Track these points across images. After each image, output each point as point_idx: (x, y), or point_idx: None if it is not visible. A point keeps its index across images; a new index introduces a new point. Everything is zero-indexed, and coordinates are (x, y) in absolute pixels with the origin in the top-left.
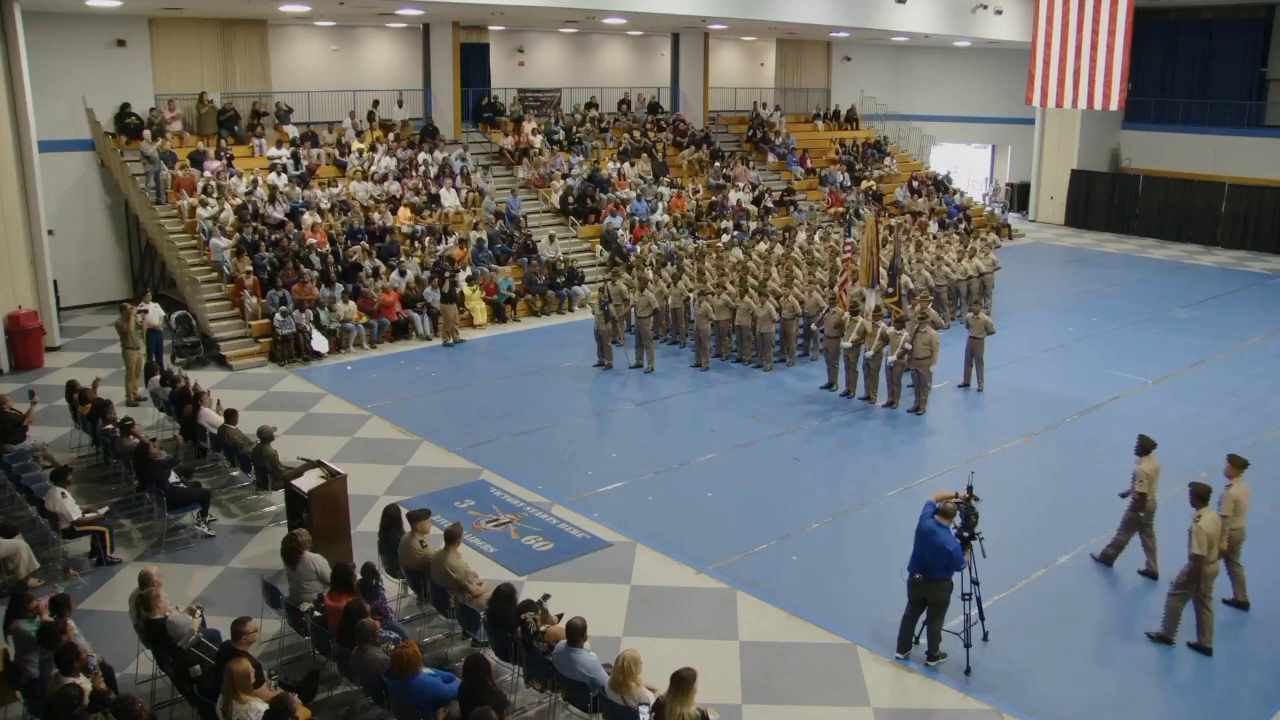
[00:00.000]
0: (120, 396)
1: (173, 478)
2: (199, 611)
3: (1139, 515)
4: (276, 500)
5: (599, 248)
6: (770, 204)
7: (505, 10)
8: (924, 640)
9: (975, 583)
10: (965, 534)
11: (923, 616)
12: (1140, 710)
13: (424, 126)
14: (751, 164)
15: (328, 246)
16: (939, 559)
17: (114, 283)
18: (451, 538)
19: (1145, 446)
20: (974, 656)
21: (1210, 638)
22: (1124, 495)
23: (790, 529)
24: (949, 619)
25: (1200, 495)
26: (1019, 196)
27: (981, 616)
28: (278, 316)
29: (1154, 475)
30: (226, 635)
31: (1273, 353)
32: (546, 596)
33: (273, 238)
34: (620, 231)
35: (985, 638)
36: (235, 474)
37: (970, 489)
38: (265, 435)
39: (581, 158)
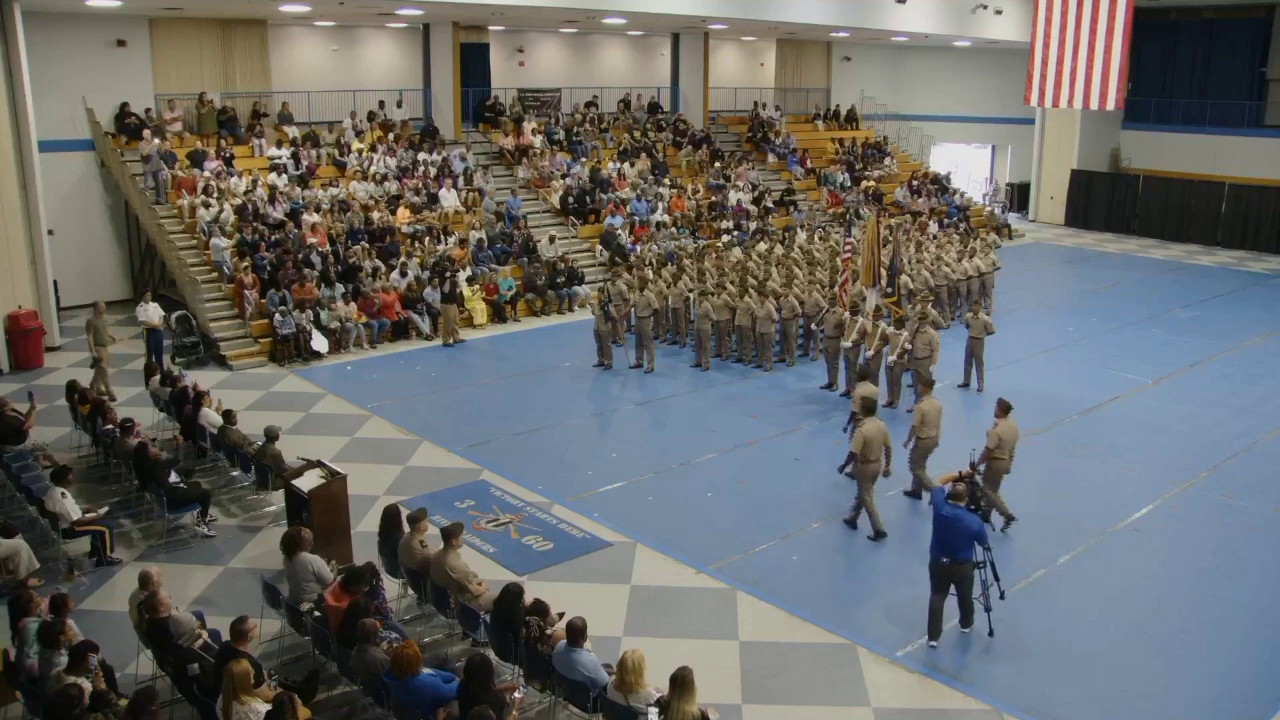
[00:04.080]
0: (121, 396)
1: (173, 478)
2: (202, 624)
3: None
4: (276, 500)
5: (599, 248)
6: (770, 204)
7: (505, 10)
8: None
9: (988, 549)
10: (972, 507)
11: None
12: (1140, 710)
13: (424, 126)
14: (751, 164)
15: (328, 246)
16: (966, 539)
17: (114, 283)
18: (451, 538)
19: (868, 408)
20: (973, 655)
21: (879, 524)
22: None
23: (790, 529)
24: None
25: (867, 409)
26: (1019, 196)
27: (996, 577)
28: (278, 316)
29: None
30: (226, 635)
31: (1273, 353)
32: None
33: (273, 238)
34: (620, 231)
35: (1002, 596)
36: (235, 474)
37: (973, 465)
38: (271, 435)
39: (583, 158)
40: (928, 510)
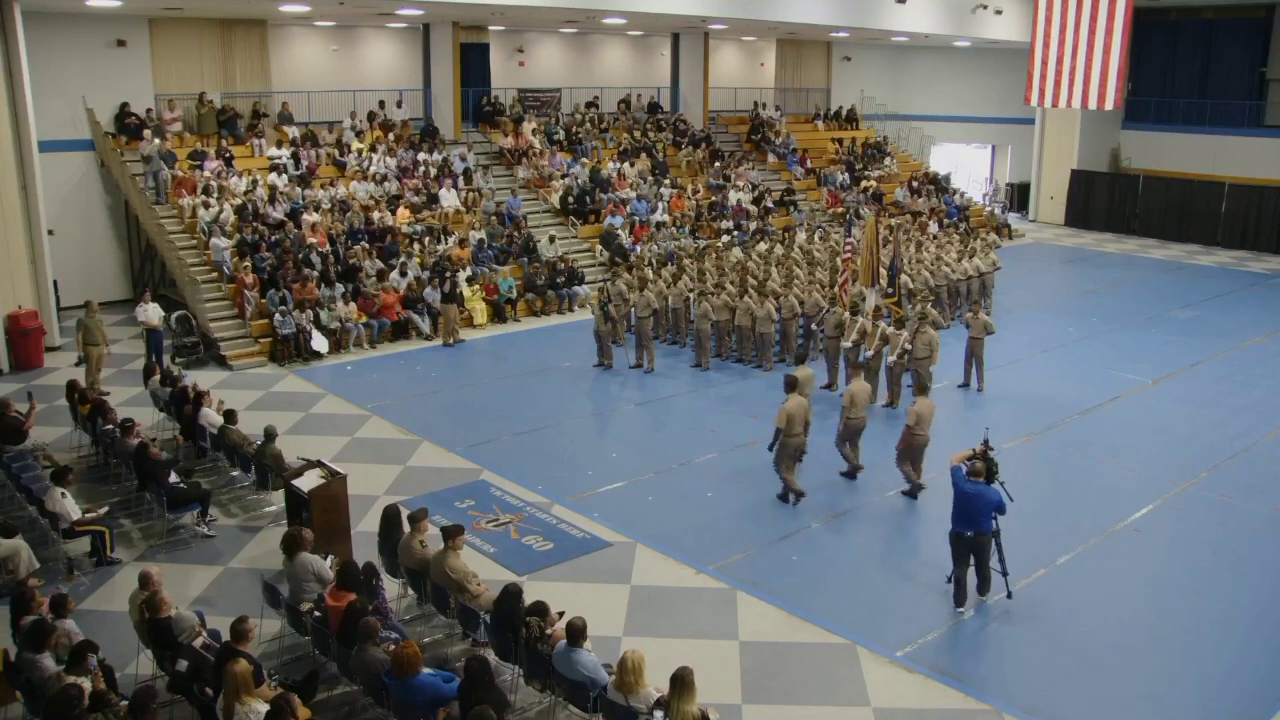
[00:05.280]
0: (121, 396)
1: (173, 478)
2: (202, 624)
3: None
4: (276, 500)
5: (599, 248)
6: (770, 204)
7: (505, 10)
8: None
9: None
10: (984, 479)
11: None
12: (1140, 710)
13: (424, 126)
14: (751, 164)
15: (328, 246)
16: (987, 512)
17: (114, 283)
18: (451, 538)
19: (790, 384)
20: (973, 655)
21: (797, 489)
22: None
23: (790, 529)
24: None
25: (789, 385)
26: (1019, 196)
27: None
28: (278, 316)
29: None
30: (226, 635)
31: (1273, 353)
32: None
33: (273, 238)
34: (620, 231)
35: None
36: (235, 474)
37: (986, 442)
38: (270, 434)
39: (583, 158)
40: (922, 510)
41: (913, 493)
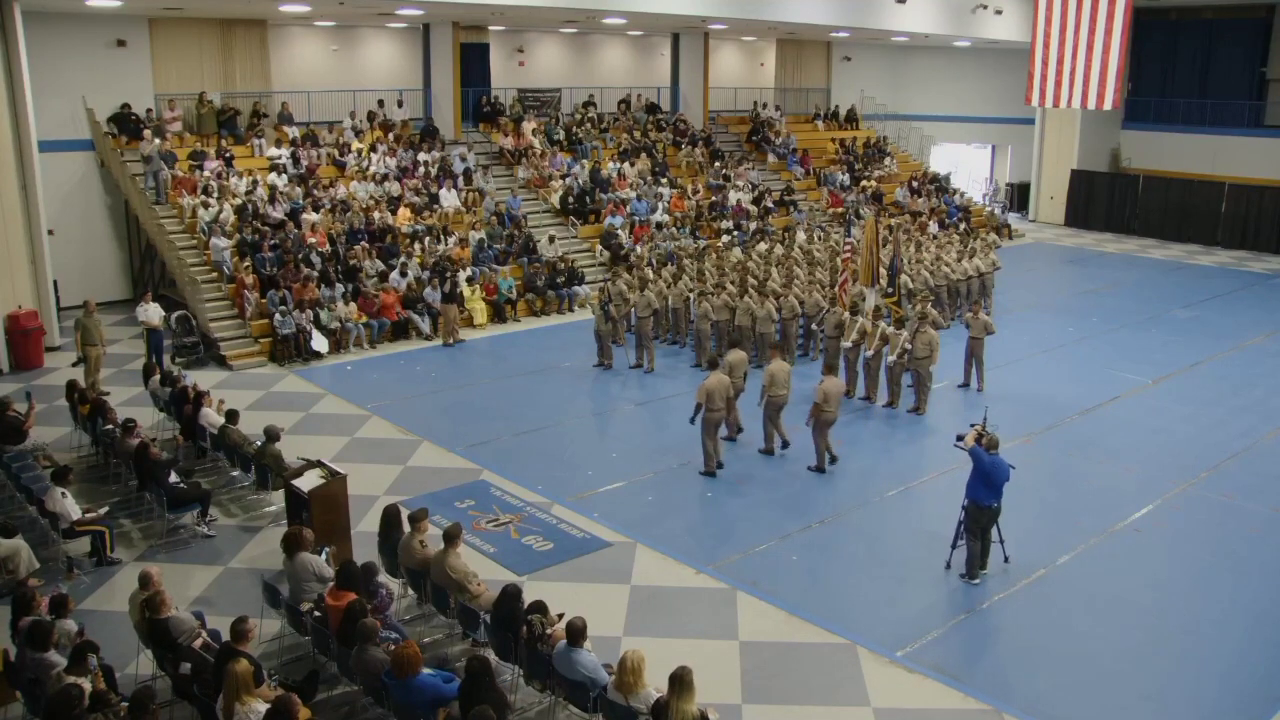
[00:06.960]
0: (121, 396)
1: (173, 478)
2: (201, 624)
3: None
4: (276, 500)
5: (599, 248)
6: (770, 204)
7: (505, 10)
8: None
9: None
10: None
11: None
12: (1140, 710)
13: (424, 126)
14: (751, 164)
15: (328, 246)
16: (1003, 481)
17: (114, 283)
18: (451, 538)
19: (711, 363)
20: (973, 655)
21: (712, 465)
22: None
23: (790, 529)
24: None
25: (711, 363)
26: (1019, 196)
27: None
28: (278, 316)
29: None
30: (226, 635)
31: (1273, 353)
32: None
33: (273, 238)
34: (620, 231)
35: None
36: (235, 474)
37: (985, 420)
38: (272, 435)
39: (583, 159)
40: (921, 510)
41: (819, 468)
